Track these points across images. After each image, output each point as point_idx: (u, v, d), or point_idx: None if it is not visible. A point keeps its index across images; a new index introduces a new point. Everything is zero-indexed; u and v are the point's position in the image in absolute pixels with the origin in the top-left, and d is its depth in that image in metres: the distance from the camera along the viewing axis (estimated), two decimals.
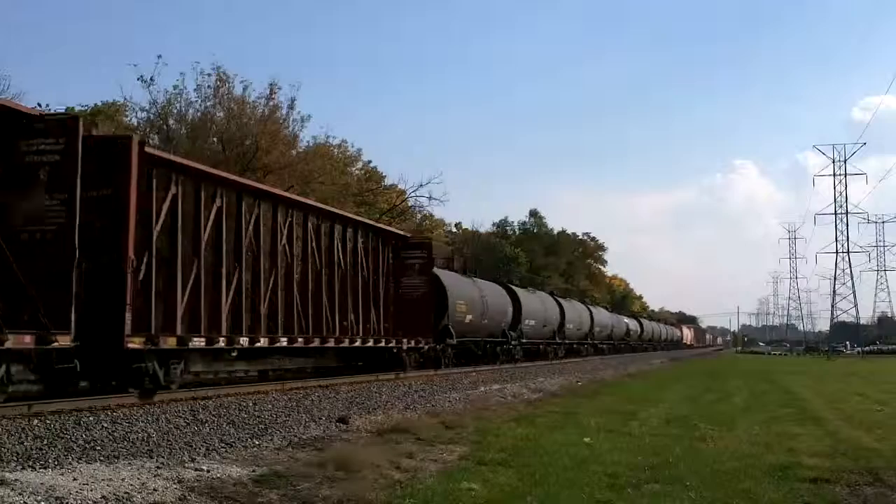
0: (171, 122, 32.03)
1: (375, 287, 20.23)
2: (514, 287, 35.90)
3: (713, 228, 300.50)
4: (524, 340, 34.15)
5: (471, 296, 28.15)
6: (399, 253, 21.96)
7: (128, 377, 11.66)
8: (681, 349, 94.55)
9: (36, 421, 9.41)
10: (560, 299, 43.34)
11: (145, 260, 11.83)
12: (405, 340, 20.98)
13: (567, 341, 43.05)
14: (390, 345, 20.41)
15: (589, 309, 50.79)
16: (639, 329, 70.55)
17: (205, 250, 13.36)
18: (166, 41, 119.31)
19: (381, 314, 20.40)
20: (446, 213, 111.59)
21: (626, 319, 66.66)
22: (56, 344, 9.85)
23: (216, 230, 13.78)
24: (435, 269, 24.57)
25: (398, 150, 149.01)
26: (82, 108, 38.24)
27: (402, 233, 24.02)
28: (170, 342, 12.19)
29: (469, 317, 27.07)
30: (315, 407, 13.14)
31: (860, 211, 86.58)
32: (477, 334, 28.42)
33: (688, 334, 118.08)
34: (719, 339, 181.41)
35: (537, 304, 37.60)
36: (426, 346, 22.56)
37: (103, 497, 6.31)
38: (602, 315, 55.07)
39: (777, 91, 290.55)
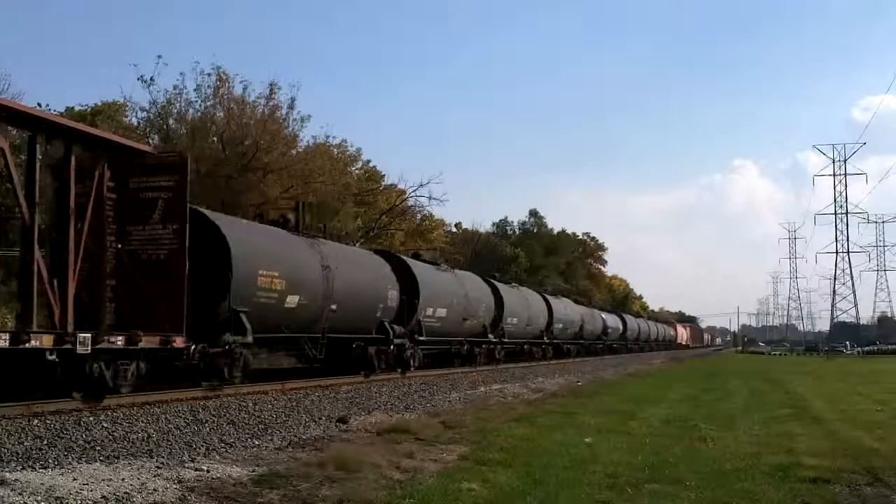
0: (171, 122, 31.98)
1: (60, 239, 11.15)
2: (409, 260, 24.10)
3: (713, 228, 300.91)
4: (422, 338, 22.69)
5: (296, 264, 16.52)
6: (127, 179, 12.33)
7: None
8: (675, 350, 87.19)
9: (36, 421, 9.41)
10: (499, 284, 32.29)
11: None
12: (84, 336, 10.50)
13: (509, 341, 31.85)
14: (33, 344, 9.79)
15: (546, 298, 39.12)
16: (620, 327, 59.74)
17: None
18: (166, 41, 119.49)
19: (67, 290, 10.88)
20: (446, 213, 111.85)
21: (602, 314, 55.12)
22: None
23: None
24: (210, 214, 14.95)
25: (398, 150, 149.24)
26: (82, 108, 38.31)
27: (129, 143, 13.30)
28: None
29: (294, 299, 16.06)
30: (315, 407, 13.16)
31: (860, 211, 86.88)
32: (311, 329, 17.07)
33: (683, 333, 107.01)
34: (718, 340, 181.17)
35: (452, 287, 25.88)
36: (181, 348, 12.32)
37: (103, 497, 6.32)
38: (567, 308, 43.45)
39: (777, 91, 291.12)
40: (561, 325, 40.08)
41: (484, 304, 28.90)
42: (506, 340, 31.37)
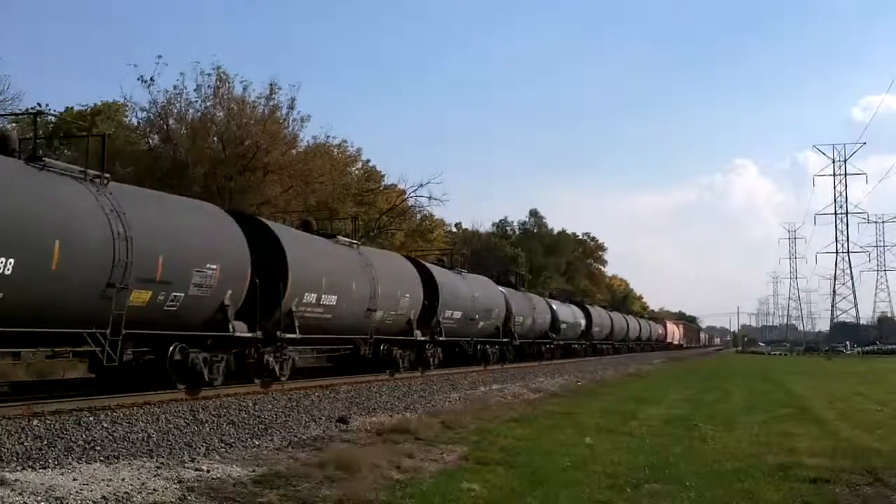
0: (171, 121, 31.92)
1: None
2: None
3: (713, 228, 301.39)
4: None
5: None
6: None
7: None
8: (664, 351, 75.96)
9: (36, 421, 9.40)
10: (356, 245, 19.77)
11: None
12: None
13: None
14: None
15: (426, 268, 23.40)
16: (582, 321, 44.42)
17: None
18: (166, 41, 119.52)
19: None
20: (446, 213, 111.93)
21: (554, 304, 39.50)
22: None
23: None
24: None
25: (398, 150, 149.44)
26: (82, 108, 38.33)
27: None
28: None
29: None
30: (315, 407, 13.14)
31: (860, 211, 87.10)
32: None
33: (675, 332, 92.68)
34: (717, 339, 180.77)
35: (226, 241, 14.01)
36: None
37: (103, 497, 6.32)
38: (471, 286, 26.93)
39: (777, 91, 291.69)
40: (459, 315, 24.54)
41: (355, 278, 17.83)
42: (374, 338, 19.12)
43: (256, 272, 14.52)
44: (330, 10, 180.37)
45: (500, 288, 31.25)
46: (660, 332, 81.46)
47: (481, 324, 27.18)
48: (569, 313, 42.05)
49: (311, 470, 7.92)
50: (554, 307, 38.97)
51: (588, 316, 46.38)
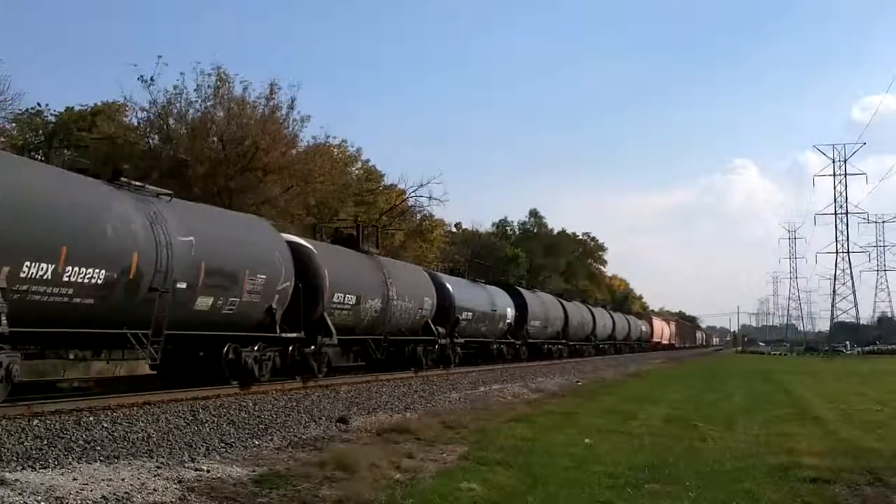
0: (171, 121, 31.91)
1: None
2: None
3: (713, 228, 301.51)
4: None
5: None
6: None
7: None
8: (655, 352, 65.79)
9: (36, 421, 9.40)
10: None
11: None
12: None
13: None
14: None
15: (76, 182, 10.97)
16: (510, 312, 30.64)
17: None
18: (166, 41, 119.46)
19: None
20: (446, 213, 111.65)
21: (450, 283, 25.55)
22: None
23: None
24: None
25: (398, 150, 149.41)
26: (82, 108, 38.32)
27: None
28: None
29: None
30: (315, 407, 13.14)
31: (860, 211, 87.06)
32: None
33: (663, 330, 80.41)
34: (716, 339, 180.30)
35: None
36: None
37: (103, 497, 6.32)
38: (247, 246, 14.19)
39: (777, 91, 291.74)
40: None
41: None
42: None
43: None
44: (330, 9, 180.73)
45: (297, 240, 17.19)
46: (643, 329, 67.69)
47: (206, 301, 12.96)
48: (482, 298, 28.00)
49: (310, 470, 7.92)
50: (449, 287, 24.82)
51: (521, 304, 31.88)
